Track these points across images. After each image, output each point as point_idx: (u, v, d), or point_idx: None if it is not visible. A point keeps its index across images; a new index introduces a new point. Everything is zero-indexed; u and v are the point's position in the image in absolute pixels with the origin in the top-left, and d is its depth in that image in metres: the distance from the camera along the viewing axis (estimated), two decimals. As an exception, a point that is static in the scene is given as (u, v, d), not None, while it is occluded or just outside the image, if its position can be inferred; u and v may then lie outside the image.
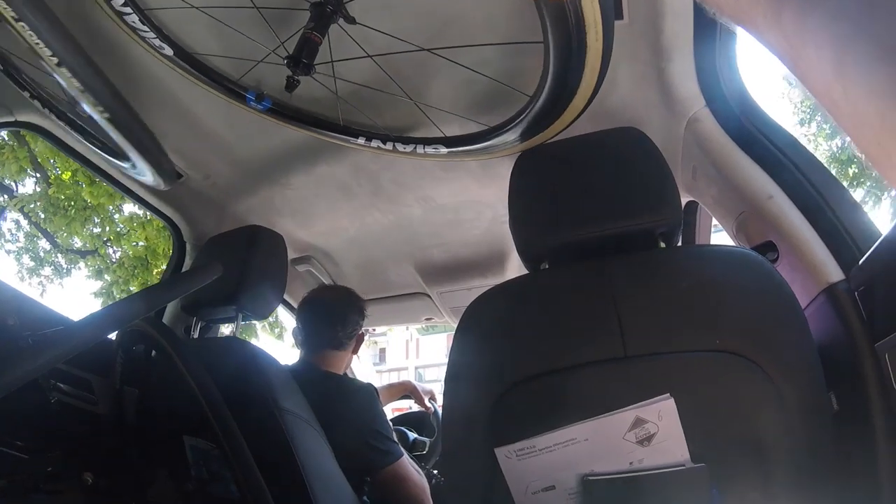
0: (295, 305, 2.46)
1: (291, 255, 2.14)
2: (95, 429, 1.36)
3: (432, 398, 2.52)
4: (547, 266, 1.11)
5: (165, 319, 1.96)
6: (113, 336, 1.48)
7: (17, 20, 1.02)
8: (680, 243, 1.18)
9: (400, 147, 1.41)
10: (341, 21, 1.13)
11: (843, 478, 0.91)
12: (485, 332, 1.06)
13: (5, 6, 0.99)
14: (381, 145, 1.43)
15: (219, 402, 1.19)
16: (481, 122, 1.33)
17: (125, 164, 1.61)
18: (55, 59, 1.15)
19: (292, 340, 1.92)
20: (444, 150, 1.37)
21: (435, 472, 2.17)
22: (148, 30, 1.23)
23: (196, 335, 1.88)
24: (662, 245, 1.06)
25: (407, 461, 1.68)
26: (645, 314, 0.94)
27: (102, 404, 1.39)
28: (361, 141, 1.45)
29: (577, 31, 0.88)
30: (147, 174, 1.61)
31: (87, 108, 1.31)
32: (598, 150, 1.12)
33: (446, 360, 1.05)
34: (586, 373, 0.94)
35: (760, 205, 1.21)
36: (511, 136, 1.23)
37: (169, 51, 1.30)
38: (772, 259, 1.15)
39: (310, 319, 1.86)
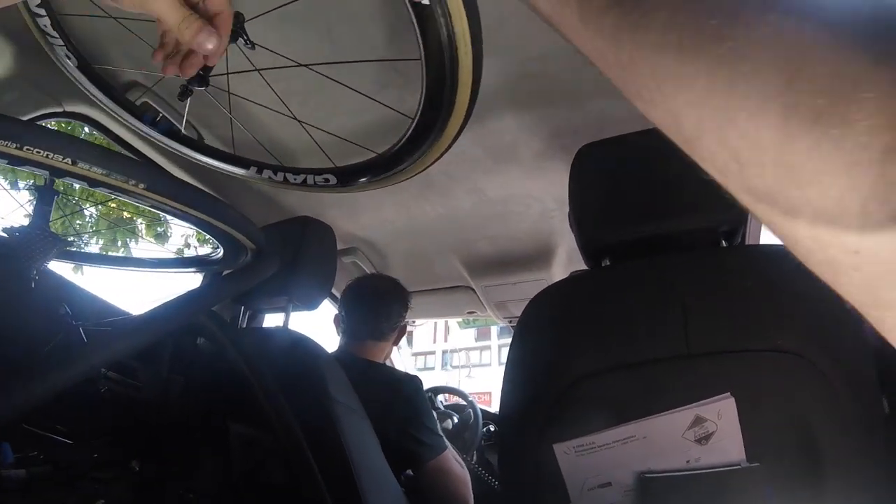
0: (339, 296, 2.49)
1: (338, 246, 2.16)
2: (141, 416, 1.38)
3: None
4: (608, 263, 1.10)
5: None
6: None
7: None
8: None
9: (290, 178, 1.38)
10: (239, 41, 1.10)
11: (894, 483, 0.89)
12: (546, 327, 1.05)
13: None
14: (273, 176, 1.39)
15: (273, 390, 1.20)
16: (375, 150, 1.28)
17: None
18: None
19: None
20: (334, 180, 1.34)
21: (473, 461, 2.18)
22: (57, 36, 1.23)
23: (244, 324, 1.92)
24: (724, 244, 1.04)
25: (450, 454, 1.69)
26: (710, 312, 0.92)
27: (147, 391, 1.41)
28: (252, 172, 1.42)
29: (448, 43, 0.85)
30: None
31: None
32: (658, 146, 1.09)
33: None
34: (648, 370, 0.93)
35: None
36: (399, 161, 1.19)
37: (73, 61, 1.31)
38: None
39: (354, 308, 1.87)
